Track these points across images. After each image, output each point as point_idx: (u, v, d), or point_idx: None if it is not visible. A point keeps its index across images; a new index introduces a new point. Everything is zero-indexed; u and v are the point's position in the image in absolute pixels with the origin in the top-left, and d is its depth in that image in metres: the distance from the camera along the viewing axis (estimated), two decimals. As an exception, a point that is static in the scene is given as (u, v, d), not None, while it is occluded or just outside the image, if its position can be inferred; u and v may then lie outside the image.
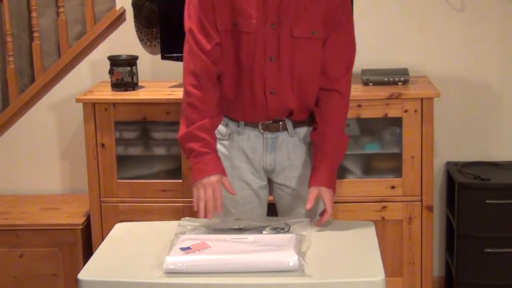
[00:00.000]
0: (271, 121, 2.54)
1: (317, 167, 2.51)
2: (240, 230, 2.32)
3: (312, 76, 2.50)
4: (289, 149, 2.56)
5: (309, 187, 2.48)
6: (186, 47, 2.49)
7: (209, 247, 2.14)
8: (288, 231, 2.29)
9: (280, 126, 2.55)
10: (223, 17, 2.43)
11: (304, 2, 2.43)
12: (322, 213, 2.45)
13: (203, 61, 2.45)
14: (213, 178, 2.43)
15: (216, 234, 2.28)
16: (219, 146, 2.56)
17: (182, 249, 2.12)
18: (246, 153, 2.56)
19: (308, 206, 2.43)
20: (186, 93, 2.49)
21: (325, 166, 2.49)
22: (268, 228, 2.30)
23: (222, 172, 2.46)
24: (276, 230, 2.29)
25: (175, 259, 2.07)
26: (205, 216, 2.41)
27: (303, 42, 2.45)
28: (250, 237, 2.22)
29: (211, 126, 2.48)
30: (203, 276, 2.03)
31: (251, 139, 2.56)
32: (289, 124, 2.55)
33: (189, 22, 2.47)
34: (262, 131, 2.55)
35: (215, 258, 2.09)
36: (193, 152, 2.46)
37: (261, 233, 2.28)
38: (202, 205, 2.42)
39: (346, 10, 2.51)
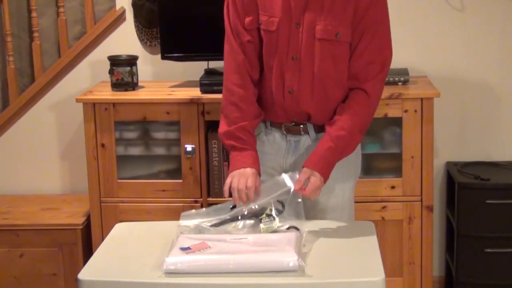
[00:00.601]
0: (292, 123, 2.56)
1: (318, 150, 2.45)
2: (238, 219, 2.34)
3: (334, 79, 2.47)
4: (310, 154, 2.54)
5: (302, 167, 2.44)
6: (226, 47, 2.55)
7: (209, 247, 2.13)
8: (283, 210, 2.30)
9: (301, 129, 2.55)
10: (251, 16, 2.49)
11: (330, 4, 2.42)
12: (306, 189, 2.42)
13: (243, 60, 2.51)
14: (249, 171, 2.45)
15: (215, 233, 2.28)
16: None
17: (182, 249, 2.12)
18: (267, 154, 2.59)
19: (296, 187, 2.38)
20: (229, 91, 2.53)
21: (326, 153, 2.44)
22: (264, 216, 2.30)
23: (258, 170, 2.49)
24: (270, 218, 2.29)
25: (175, 260, 2.07)
26: (236, 203, 2.43)
27: (325, 44, 2.43)
28: (250, 237, 2.22)
29: (251, 128, 2.52)
30: (203, 276, 2.03)
31: (276, 140, 2.60)
32: (310, 128, 2.55)
33: (227, 22, 2.55)
34: (285, 133, 2.57)
35: (215, 258, 2.08)
36: (234, 148, 2.50)
37: (259, 222, 2.28)
38: (235, 195, 2.43)
39: (378, 10, 2.46)
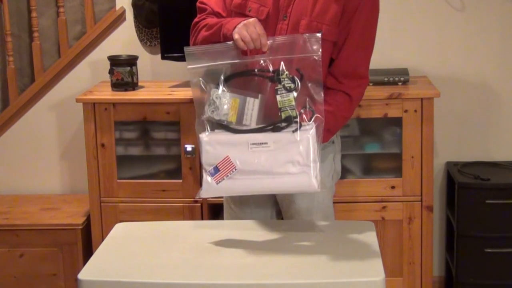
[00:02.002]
0: None
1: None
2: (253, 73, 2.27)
3: None
4: None
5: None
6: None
7: (235, 169, 2.21)
8: (296, 86, 2.23)
9: None
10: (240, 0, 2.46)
11: (318, 1, 2.41)
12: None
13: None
14: (253, 20, 2.33)
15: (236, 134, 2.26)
16: None
17: (212, 173, 2.22)
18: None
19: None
20: (194, 25, 2.51)
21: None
22: (281, 86, 2.22)
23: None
24: (288, 83, 2.22)
25: (208, 190, 2.22)
26: (257, 53, 2.31)
27: None
28: (270, 142, 2.22)
29: None
30: (203, 277, 2.03)
31: None
32: None
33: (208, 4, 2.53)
34: None
35: (243, 184, 2.21)
36: (220, 23, 2.39)
37: (276, 82, 2.23)
38: (252, 46, 2.29)
39: (367, 13, 2.45)
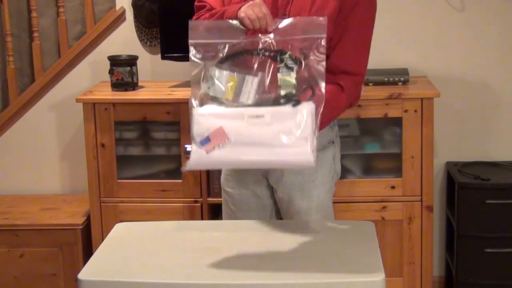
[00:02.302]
0: None
1: None
2: (255, 52, 2.20)
3: None
4: None
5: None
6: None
7: (227, 139, 2.08)
8: (298, 66, 2.16)
9: None
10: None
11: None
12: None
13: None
14: (258, 0, 2.30)
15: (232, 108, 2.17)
16: None
17: (202, 143, 2.08)
18: None
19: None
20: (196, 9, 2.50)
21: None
22: (283, 65, 2.16)
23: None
24: (289, 64, 2.16)
25: (197, 161, 2.07)
26: (261, 33, 2.25)
27: None
28: (267, 115, 2.12)
29: None
30: (203, 277, 2.03)
31: None
32: None
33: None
34: None
35: (234, 155, 2.07)
36: (222, 10, 2.37)
37: (278, 62, 2.17)
38: (257, 25, 2.25)
39: (364, 11, 2.45)
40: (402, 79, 3.47)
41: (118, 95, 3.47)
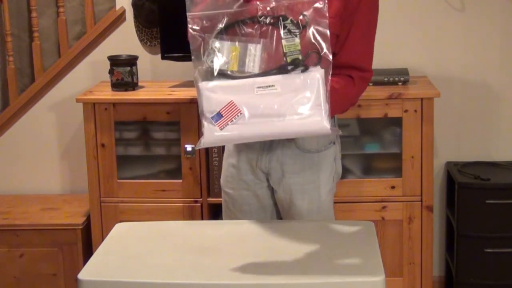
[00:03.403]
0: None
1: None
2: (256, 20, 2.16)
3: None
4: (284, 153, 2.51)
5: None
6: None
7: (240, 113, 2.05)
8: (301, 30, 2.13)
9: None
10: None
11: None
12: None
13: None
14: None
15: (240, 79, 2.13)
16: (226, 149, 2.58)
17: (214, 118, 2.04)
18: (246, 152, 2.56)
19: None
20: None
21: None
22: (286, 31, 2.12)
23: None
24: (293, 29, 2.13)
25: (211, 139, 2.05)
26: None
27: None
28: (277, 84, 2.09)
29: None
30: (203, 277, 2.03)
31: None
32: None
33: None
34: None
35: (249, 130, 2.05)
36: None
37: (279, 28, 2.13)
38: None
39: (369, 7, 2.44)
40: (402, 79, 3.47)
41: (118, 95, 3.47)
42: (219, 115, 2.05)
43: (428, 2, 3.69)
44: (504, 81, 3.73)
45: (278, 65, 2.13)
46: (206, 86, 2.10)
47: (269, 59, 2.16)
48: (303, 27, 2.15)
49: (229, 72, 2.11)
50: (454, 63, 3.73)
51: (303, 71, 2.12)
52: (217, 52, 2.13)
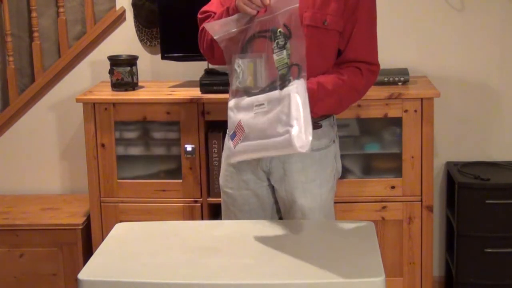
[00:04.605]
0: None
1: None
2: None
3: (320, 66, 2.44)
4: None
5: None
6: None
7: (245, 131, 2.22)
8: (286, 42, 2.19)
9: None
10: None
11: None
12: None
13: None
14: None
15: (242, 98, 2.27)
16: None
17: (231, 136, 2.26)
18: None
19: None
20: (201, 32, 2.52)
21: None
22: (275, 45, 2.19)
23: None
24: (280, 42, 2.19)
25: (229, 153, 2.29)
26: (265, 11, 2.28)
27: (312, 31, 2.41)
28: (265, 102, 2.19)
29: None
30: (203, 277, 2.03)
31: None
32: None
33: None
34: None
35: (248, 149, 2.22)
36: (224, 8, 2.40)
37: (271, 40, 2.20)
38: (253, 6, 2.26)
39: (369, 4, 2.47)
40: (402, 79, 3.47)
41: (118, 95, 3.47)
42: (234, 134, 2.26)
43: (428, 2, 3.69)
44: (504, 81, 3.73)
45: (271, 80, 2.22)
46: (229, 104, 2.28)
47: (270, 73, 2.23)
48: (290, 37, 2.21)
49: (250, 90, 2.25)
50: (454, 63, 3.73)
51: (281, 88, 2.18)
52: (237, 70, 2.25)
